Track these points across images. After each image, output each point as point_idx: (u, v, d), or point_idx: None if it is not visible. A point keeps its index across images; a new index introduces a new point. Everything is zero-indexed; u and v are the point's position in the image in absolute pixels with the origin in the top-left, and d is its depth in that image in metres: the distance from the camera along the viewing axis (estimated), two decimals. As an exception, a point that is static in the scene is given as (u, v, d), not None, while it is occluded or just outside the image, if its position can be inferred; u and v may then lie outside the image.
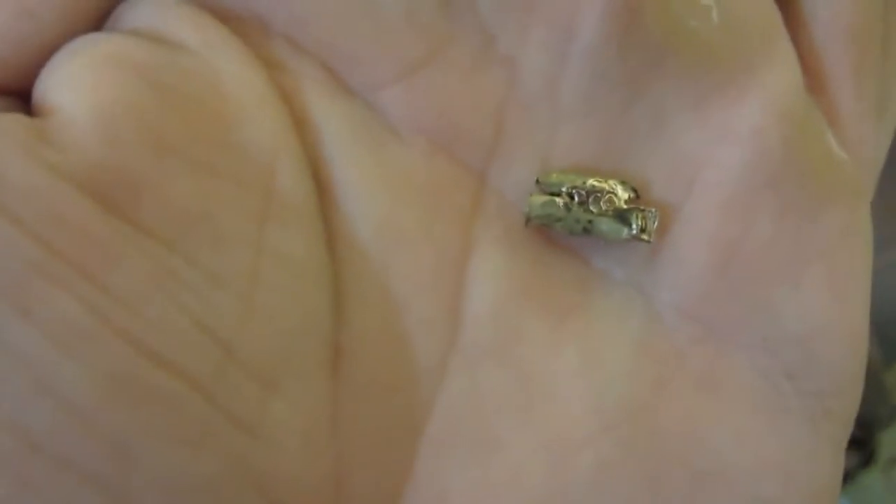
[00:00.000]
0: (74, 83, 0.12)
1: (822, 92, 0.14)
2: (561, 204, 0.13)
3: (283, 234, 0.12)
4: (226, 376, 0.11)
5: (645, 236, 0.13)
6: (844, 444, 0.13)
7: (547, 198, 0.13)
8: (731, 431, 0.13)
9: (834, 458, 0.13)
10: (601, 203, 0.13)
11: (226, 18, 0.13)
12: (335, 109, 0.13)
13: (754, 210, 0.13)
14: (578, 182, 0.13)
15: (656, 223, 0.13)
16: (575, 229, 0.13)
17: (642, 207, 0.13)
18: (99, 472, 0.10)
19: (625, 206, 0.13)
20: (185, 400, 0.11)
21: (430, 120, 0.13)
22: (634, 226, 0.13)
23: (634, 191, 0.13)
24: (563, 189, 0.13)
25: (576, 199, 0.13)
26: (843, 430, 0.13)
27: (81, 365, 0.10)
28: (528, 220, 0.13)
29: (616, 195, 0.13)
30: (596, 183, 0.13)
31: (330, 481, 0.12)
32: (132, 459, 0.10)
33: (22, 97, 0.12)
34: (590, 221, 0.13)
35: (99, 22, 0.13)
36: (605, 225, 0.13)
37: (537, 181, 0.13)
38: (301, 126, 0.13)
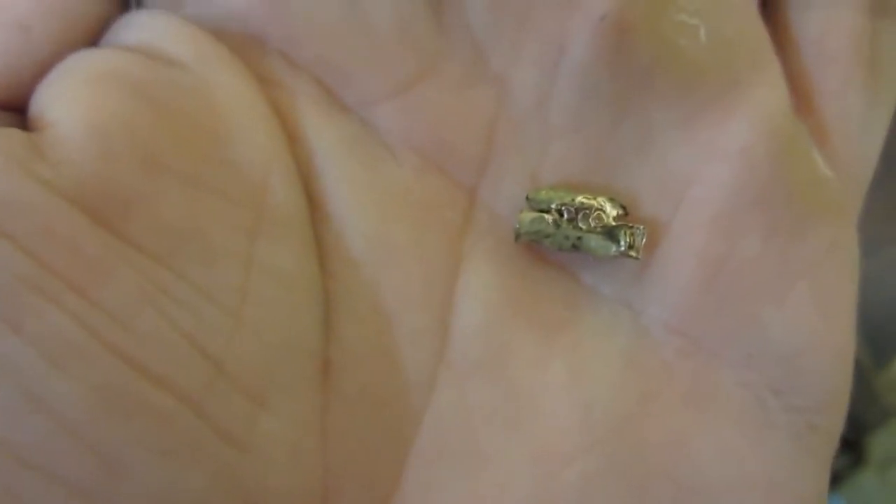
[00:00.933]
0: (69, 99, 0.12)
1: (809, 111, 0.14)
2: (550, 220, 0.13)
3: (273, 249, 0.12)
4: (215, 390, 0.11)
5: (633, 253, 0.13)
6: (830, 459, 0.13)
7: (536, 214, 0.13)
8: (716, 446, 0.13)
9: (818, 474, 0.13)
10: (590, 220, 0.13)
11: (221, 34, 0.13)
12: (329, 125, 0.13)
13: (741, 227, 0.13)
14: (567, 199, 0.13)
15: (644, 240, 0.13)
16: (564, 245, 0.13)
17: (630, 224, 0.13)
18: (88, 486, 0.10)
19: (613, 223, 0.13)
20: (175, 414, 0.11)
21: (421, 136, 0.13)
22: (623, 242, 0.13)
23: (623, 208, 0.13)
24: (553, 206, 0.13)
25: (565, 215, 0.13)
26: (829, 445, 0.13)
27: (72, 379, 0.10)
28: (517, 236, 0.13)
29: (604, 212, 0.13)
30: (585, 200, 0.13)
31: (318, 495, 0.12)
32: (121, 473, 0.11)
33: (18, 112, 0.12)
34: (578, 238, 0.13)
35: (95, 37, 0.13)
36: (594, 241, 0.13)
37: (527, 198, 0.13)
38: (294, 141, 0.13)
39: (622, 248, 0.13)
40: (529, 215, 0.13)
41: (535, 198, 0.13)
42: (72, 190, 0.11)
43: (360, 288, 0.13)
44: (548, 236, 0.13)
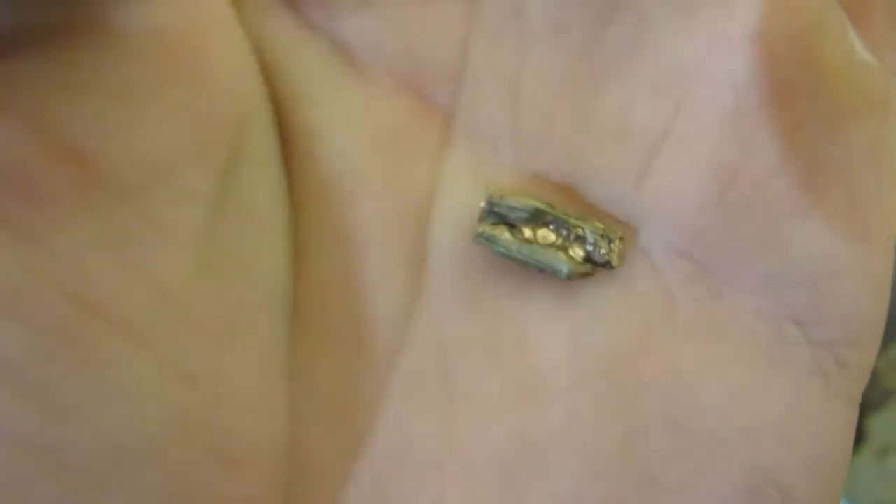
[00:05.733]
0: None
1: None
2: (506, 233, 0.12)
3: (243, 181, 0.11)
4: (174, 330, 0.11)
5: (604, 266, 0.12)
6: (859, 397, 0.12)
7: (491, 226, 0.12)
8: (726, 386, 0.11)
9: (846, 419, 0.11)
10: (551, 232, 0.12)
11: None
12: (296, 44, 0.12)
13: (757, 128, 0.11)
14: (529, 204, 0.12)
15: (616, 256, 0.12)
16: (518, 260, 0.12)
17: (603, 234, 0.12)
18: (32, 434, 0.10)
19: (573, 241, 0.12)
20: (129, 355, 0.10)
21: (392, 53, 0.12)
22: (584, 258, 0.12)
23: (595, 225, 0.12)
24: (511, 215, 0.12)
25: (522, 229, 0.12)
26: (859, 381, 0.11)
27: (12, 318, 0.10)
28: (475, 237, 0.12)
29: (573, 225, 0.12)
30: (545, 208, 0.12)
31: (285, 438, 0.12)
32: (71, 420, 0.10)
33: None
34: (533, 255, 0.12)
35: None
36: (547, 258, 0.12)
37: (485, 202, 0.12)
38: (263, 64, 0.12)
39: (582, 267, 0.12)
40: (484, 226, 0.12)
41: (494, 202, 0.12)
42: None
43: (329, 219, 0.12)
44: (503, 248, 0.12)
